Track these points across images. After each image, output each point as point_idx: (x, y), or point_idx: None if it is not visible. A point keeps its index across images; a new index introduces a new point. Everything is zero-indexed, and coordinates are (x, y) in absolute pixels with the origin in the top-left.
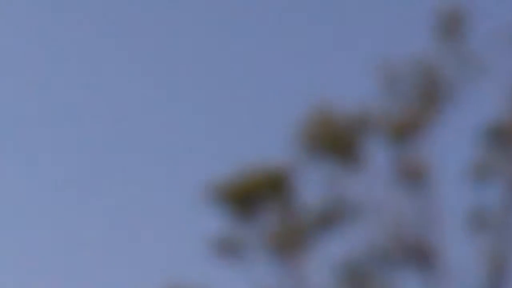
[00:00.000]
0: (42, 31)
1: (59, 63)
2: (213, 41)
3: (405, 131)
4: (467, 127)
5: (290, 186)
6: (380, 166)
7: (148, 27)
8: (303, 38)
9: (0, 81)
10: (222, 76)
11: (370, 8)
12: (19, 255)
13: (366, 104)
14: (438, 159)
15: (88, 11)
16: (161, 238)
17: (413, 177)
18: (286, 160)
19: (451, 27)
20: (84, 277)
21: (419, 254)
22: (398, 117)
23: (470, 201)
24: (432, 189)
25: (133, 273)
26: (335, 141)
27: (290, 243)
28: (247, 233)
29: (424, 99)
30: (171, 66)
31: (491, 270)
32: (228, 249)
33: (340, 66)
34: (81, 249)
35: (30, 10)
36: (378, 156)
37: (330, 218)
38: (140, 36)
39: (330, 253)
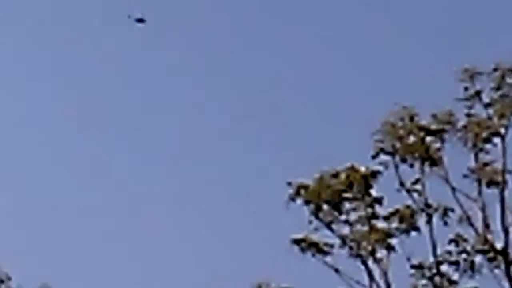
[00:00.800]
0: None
1: None
2: (303, 52)
3: (485, 137)
4: None
5: (374, 189)
6: (461, 169)
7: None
8: (393, 45)
9: None
10: (313, 83)
11: (455, 19)
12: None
13: (448, 110)
14: None
15: None
16: (250, 239)
17: (492, 181)
18: (370, 164)
19: None
20: (170, 277)
21: (502, 257)
22: (480, 123)
23: None
24: (510, 194)
25: (223, 272)
26: (417, 145)
27: (374, 243)
28: (332, 234)
29: (504, 106)
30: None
31: None
32: (314, 249)
33: (426, 73)
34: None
35: None
36: (458, 160)
37: (412, 220)
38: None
39: (413, 254)
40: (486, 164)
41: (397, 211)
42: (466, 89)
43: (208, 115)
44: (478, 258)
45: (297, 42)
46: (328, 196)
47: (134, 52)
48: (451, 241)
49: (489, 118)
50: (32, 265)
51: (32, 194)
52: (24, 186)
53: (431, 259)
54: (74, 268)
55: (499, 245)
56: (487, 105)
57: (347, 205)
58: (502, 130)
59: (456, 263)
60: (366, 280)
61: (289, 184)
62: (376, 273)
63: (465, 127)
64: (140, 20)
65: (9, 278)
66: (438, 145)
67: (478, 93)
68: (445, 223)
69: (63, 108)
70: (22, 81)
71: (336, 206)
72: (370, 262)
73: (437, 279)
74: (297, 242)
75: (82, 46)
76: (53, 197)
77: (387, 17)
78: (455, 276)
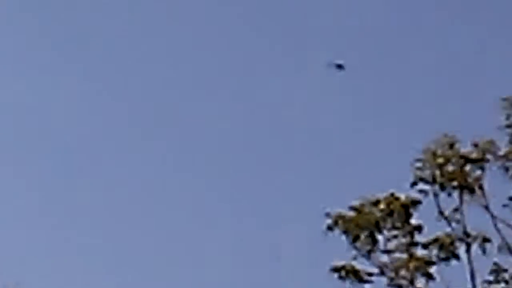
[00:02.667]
0: None
1: None
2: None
3: None
4: None
5: (414, 218)
6: (501, 198)
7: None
8: (435, 73)
9: None
10: (355, 111)
11: (490, 47)
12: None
13: (490, 139)
14: None
15: None
16: (288, 267)
17: None
18: (411, 193)
19: None
20: None
21: None
22: None
23: None
24: None
25: None
26: (456, 174)
27: (413, 272)
28: (370, 262)
29: None
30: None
31: None
32: (353, 277)
33: (467, 102)
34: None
35: None
36: (500, 188)
37: (451, 248)
38: None
39: (452, 283)
40: None
41: (437, 239)
42: (507, 117)
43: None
44: None
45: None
46: (367, 225)
47: None
48: (492, 271)
49: None
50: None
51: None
52: None
53: None
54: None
55: None
56: None
57: (386, 234)
58: None
59: None
60: None
61: (327, 214)
62: None
63: (506, 155)
64: (339, 66)
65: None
66: (478, 173)
67: None
68: (484, 252)
69: None
70: None
71: (375, 234)
72: None
73: None
74: (336, 270)
75: None
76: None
77: (430, 47)
78: None
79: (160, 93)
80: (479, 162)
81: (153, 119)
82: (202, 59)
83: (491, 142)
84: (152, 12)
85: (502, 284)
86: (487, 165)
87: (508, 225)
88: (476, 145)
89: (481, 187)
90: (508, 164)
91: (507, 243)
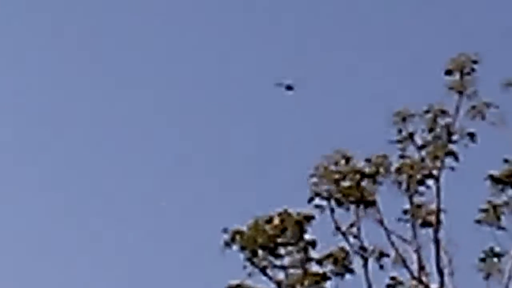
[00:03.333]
0: None
1: None
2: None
3: (419, 179)
4: (478, 173)
5: (308, 233)
6: (395, 212)
7: None
8: (326, 89)
9: None
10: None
11: (386, 61)
12: None
13: (381, 153)
14: (450, 205)
15: None
16: (185, 285)
17: (426, 223)
18: (305, 209)
19: (463, 78)
20: None
21: None
22: (413, 165)
23: (481, 245)
24: (445, 234)
25: None
26: (351, 188)
27: (309, 287)
28: (267, 279)
29: (437, 147)
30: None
31: None
32: None
33: (358, 117)
34: None
35: None
36: (393, 202)
37: (346, 262)
38: None
39: None
40: (420, 206)
41: (331, 254)
42: (399, 131)
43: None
44: None
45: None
46: (263, 242)
47: None
48: (388, 285)
49: (422, 160)
50: None
51: None
52: None
53: None
54: None
55: (434, 286)
56: (420, 147)
57: (281, 250)
58: (436, 172)
59: None
60: None
61: (225, 230)
62: None
63: (398, 169)
64: (289, 88)
65: None
66: (372, 188)
67: (411, 135)
68: (381, 267)
69: None
70: None
71: (271, 251)
72: None
73: None
74: None
75: None
76: None
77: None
78: None
79: None
80: (373, 177)
81: None
82: None
83: (384, 157)
84: None
85: None
86: (380, 180)
87: (403, 239)
88: (369, 160)
89: (375, 202)
90: (400, 178)
91: (401, 257)
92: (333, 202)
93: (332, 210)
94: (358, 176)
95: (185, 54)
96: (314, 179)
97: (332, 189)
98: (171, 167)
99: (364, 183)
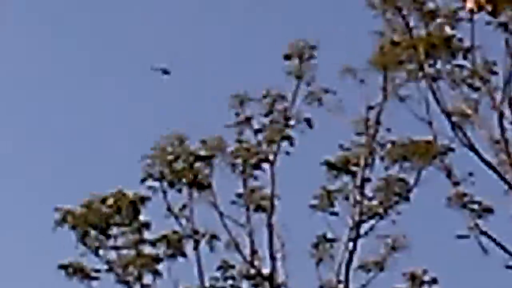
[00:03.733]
0: None
1: None
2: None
3: (254, 163)
4: (313, 159)
5: (142, 214)
6: (229, 195)
7: None
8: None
9: None
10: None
11: (225, 43)
12: None
13: (218, 136)
14: (284, 189)
15: None
16: (18, 263)
17: (260, 207)
18: (138, 189)
19: (301, 64)
20: None
21: (268, 282)
22: (248, 149)
23: (314, 230)
24: (279, 219)
25: None
26: (186, 171)
27: (140, 269)
28: (99, 259)
29: (273, 132)
30: None
31: None
32: (80, 274)
33: (197, 99)
34: None
35: None
36: (227, 185)
37: (179, 245)
38: None
39: (179, 280)
40: (254, 190)
41: (165, 236)
42: (236, 115)
43: None
44: (244, 284)
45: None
46: (95, 222)
47: None
48: (218, 267)
49: (259, 144)
50: None
51: None
52: None
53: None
54: None
55: (265, 271)
56: (257, 131)
57: (115, 231)
58: (271, 156)
59: None
60: None
61: (56, 209)
62: None
63: (234, 153)
64: (165, 72)
65: None
66: (207, 171)
67: (248, 119)
68: (212, 250)
69: None
70: None
71: (103, 231)
72: None
73: None
74: (63, 267)
75: None
76: None
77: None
78: None
79: None
80: (208, 159)
81: None
82: None
83: (220, 139)
84: None
85: (230, 281)
86: (215, 162)
87: (236, 223)
88: (204, 142)
89: (209, 185)
90: (235, 162)
91: (234, 241)
92: (165, 184)
93: (165, 192)
94: (192, 158)
95: None
96: (148, 161)
97: (165, 170)
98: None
99: (198, 165)
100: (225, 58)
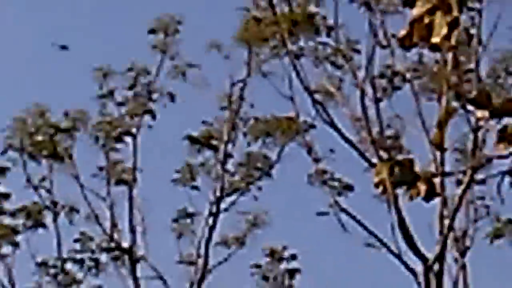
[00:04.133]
0: None
1: None
2: None
3: (116, 136)
4: (176, 133)
5: (2, 185)
6: (91, 168)
7: None
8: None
9: None
10: None
11: (90, 16)
12: None
13: (80, 109)
14: (146, 163)
15: None
16: None
17: (121, 180)
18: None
19: (166, 38)
20: None
21: (128, 255)
22: (110, 122)
23: (176, 205)
24: (139, 193)
25: None
26: (45, 142)
27: (1, 239)
28: None
29: (136, 105)
30: None
31: (190, 276)
32: None
33: (60, 71)
34: None
35: None
36: (90, 158)
37: (39, 216)
38: None
39: (38, 251)
40: (116, 163)
41: (24, 207)
42: (100, 87)
43: None
44: (104, 257)
45: None
46: None
47: None
48: (76, 239)
49: (122, 117)
50: None
51: None
52: None
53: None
54: None
55: (125, 244)
56: (119, 105)
57: None
58: (134, 130)
59: (81, 262)
60: None
61: None
62: (0, 270)
63: (97, 125)
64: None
65: None
66: (68, 143)
67: (111, 92)
68: (71, 222)
69: None
70: None
71: None
72: None
73: (61, 277)
74: None
75: None
76: None
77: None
78: (80, 275)
79: None
80: (70, 132)
81: None
82: None
83: (82, 112)
84: None
85: (89, 254)
86: (78, 135)
87: (97, 195)
88: (67, 114)
89: (70, 157)
90: (98, 134)
91: (94, 213)
92: (25, 155)
93: (25, 163)
94: (52, 130)
95: None
96: (8, 132)
97: (25, 142)
98: None
99: (59, 138)
100: (89, 31)
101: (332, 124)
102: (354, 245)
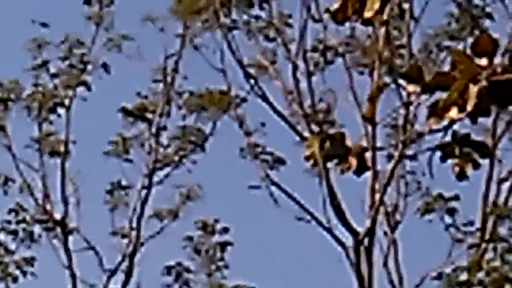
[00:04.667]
0: None
1: None
2: None
3: (50, 107)
4: (111, 105)
5: None
6: (24, 139)
7: None
8: None
9: None
10: None
11: None
12: None
13: (14, 79)
14: (80, 135)
15: None
16: None
17: (54, 152)
18: None
19: (101, 9)
20: None
21: (60, 227)
22: (44, 93)
23: (109, 177)
24: (73, 164)
25: None
26: None
27: None
28: None
29: (70, 77)
30: None
31: (123, 248)
32: None
33: None
34: None
35: None
36: (23, 128)
37: None
38: None
39: None
40: (49, 135)
41: None
42: (34, 58)
43: None
44: (37, 228)
45: None
46: None
47: None
48: (10, 210)
49: (55, 88)
50: None
51: None
52: None
53: None
54: None
55: (58, 216)
56: (53, 76)
57: None
58: (67, 101)
59: (14, 233)
60: None
61: None
62: None
63: (30, 96)
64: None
65: None
66: (1, 113)
67: (45, 63)
68: (5, 193)
69: None
70: None
71: None
72: None
73: None
74: None
75: None
76: None
77: None
78: (13, 246)
79: None
80: (3, 102)
81: None
82: None
83: (16, 83)
84: None
85: (22, 225)
86: (11, 106)
87: (30, 166)
88: (0, 85)
89: (3, 127)
90: (31, 105)
91: (27, 184)
92: None
93: None
94: None
95: None
96: None
97: None
98: None
99: None
100: (23, 1)
101: (264, 98)
102: (286, 219)
